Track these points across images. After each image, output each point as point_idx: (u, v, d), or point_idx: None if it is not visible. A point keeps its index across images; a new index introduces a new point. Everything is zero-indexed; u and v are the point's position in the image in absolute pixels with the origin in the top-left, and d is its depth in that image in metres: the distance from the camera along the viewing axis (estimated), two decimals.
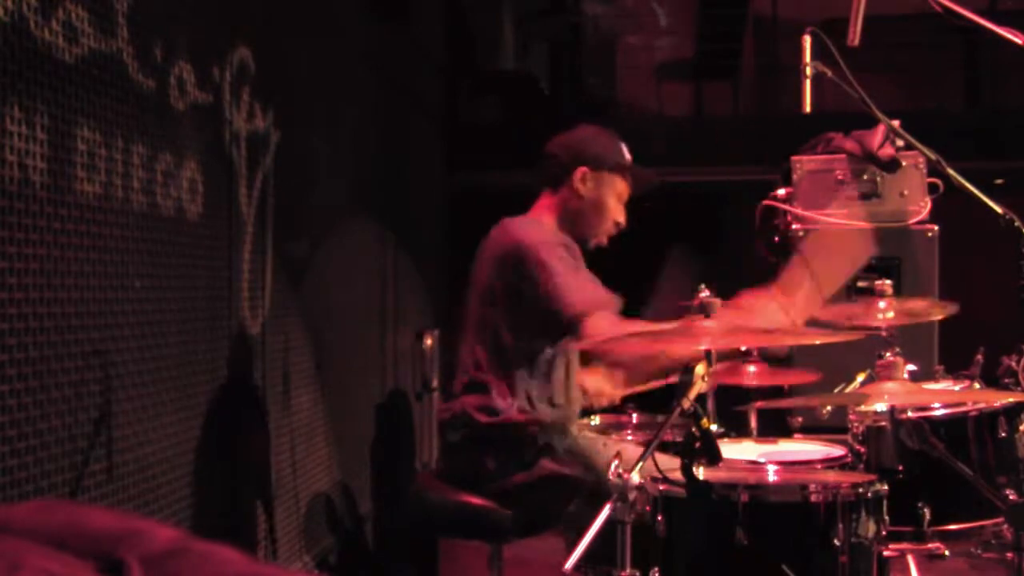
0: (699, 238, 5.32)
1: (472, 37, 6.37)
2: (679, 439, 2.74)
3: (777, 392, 3.35)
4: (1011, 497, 2.20)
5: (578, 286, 2.86)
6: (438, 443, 3.31)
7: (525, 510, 2.93)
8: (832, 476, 2.48)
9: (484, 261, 3.04)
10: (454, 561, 3.86)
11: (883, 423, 2.59)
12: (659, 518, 2.20)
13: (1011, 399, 2.60)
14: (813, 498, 2.20)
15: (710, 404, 2.98)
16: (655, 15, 8.56)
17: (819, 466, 2.65)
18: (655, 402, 3.25)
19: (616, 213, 3.12)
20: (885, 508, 2.26)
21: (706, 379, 2.14)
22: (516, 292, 2.91)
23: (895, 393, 2.39)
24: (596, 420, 3.35)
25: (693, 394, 2.11)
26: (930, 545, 2.50)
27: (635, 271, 3.27)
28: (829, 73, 2.98)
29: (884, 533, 2.27)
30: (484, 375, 2.98)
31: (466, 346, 3.06)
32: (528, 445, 2.95)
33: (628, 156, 3.14)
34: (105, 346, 2.14)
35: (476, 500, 2.93)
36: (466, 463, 2.99)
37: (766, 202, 3.95)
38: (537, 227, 3.04)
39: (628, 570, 1.99)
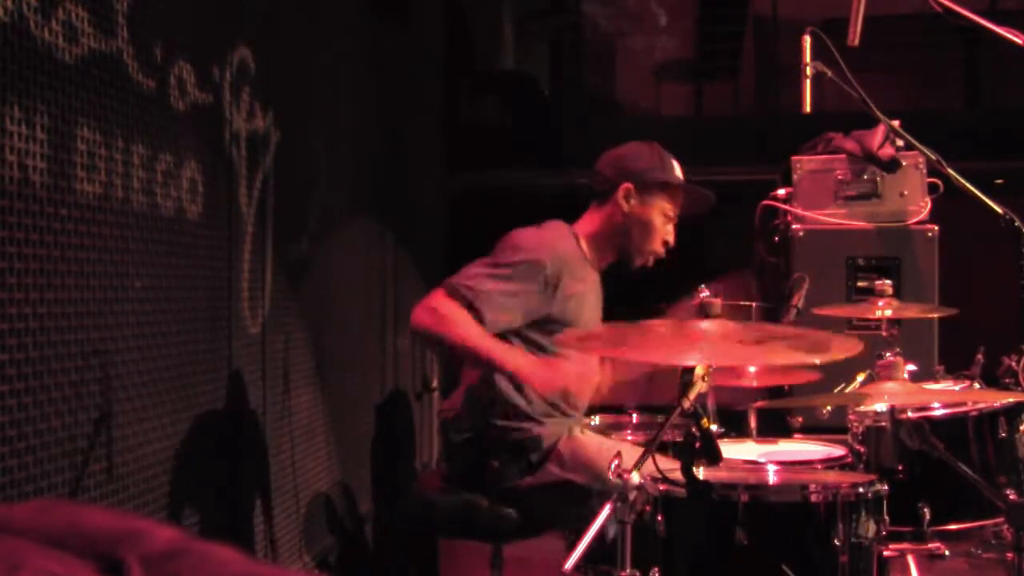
0: (699, 238, 5.33)
1: (472, 37, 6.37)
2: (679, 439, 2.75)
3: (777, 392, 3.35)
4: (1011, 497, 2.20)
5: (475, 275, 2.83)
6: (439, 443, 3.31)
7: (530, 513, 2.93)
8: (832, 476, 2.49)
9: None
10: (454, 561, 3.86)
11: (883, 423, 2.59)
12: (659, 518, 2.20)
13: (1011, 399, 2.60)
14: (813, 498, 2.20)
15: (710, 404, 2.98)
16: (655, 15, 8.56)
17: (819, 466, 2.65)
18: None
19: (663, 232, 3.06)
20: (885, 508, 2.26)
21: (706, 380, 2.14)
22: None
23: (895, 393, 2.39)
24: (596, 420, 3.34)
25: (693, 394, 2.11)
26: (930, 545, 2.51)
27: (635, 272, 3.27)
28: (829, 73, 2.98)
29: (884, 533, 2.28)
30: (490, 375, 2.97)
31: None
32: (532, 448, 2.94)
33: (679, 174, 3.07)
34: (105, 346, 2.13)
35: (478, 500, 2.93)
36: (470, 463, 2.98)
37: (766, 202, 3.95)
38: (546, 237, 3.00)
39: (628, 570, 1.99)
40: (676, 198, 3.07)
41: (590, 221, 3.10)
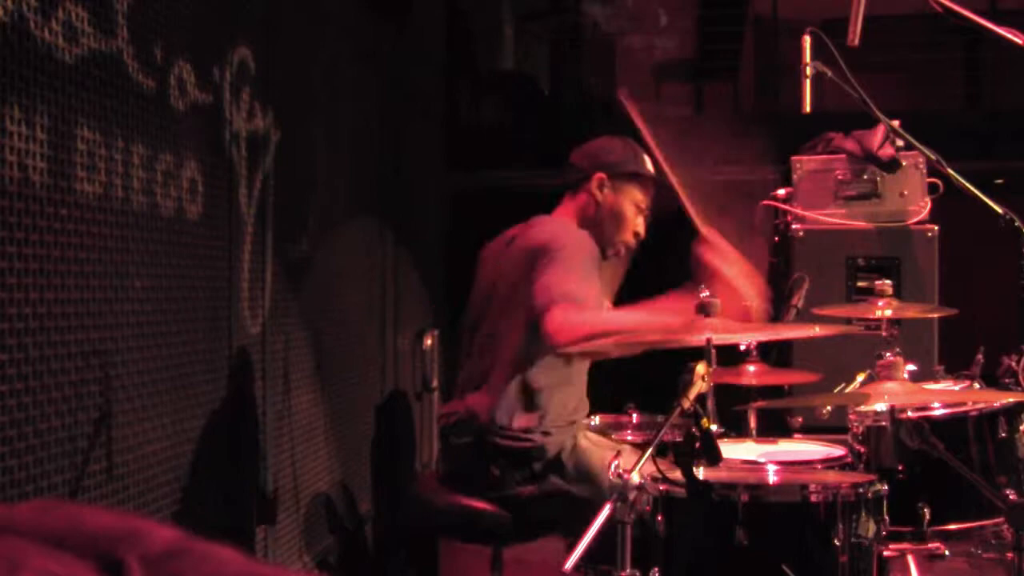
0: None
1: (472, 37, 6.37)
2: (679, 439, 2.75)
3: (777, 392, 3.35)
4: (1011, 497, 2.20)
5: (563, 282, 2.78)
6: (438, 445, 3.31)
7: (530, 519, 2.92)
8: (832, 476, 2.48)
9: (509, 260, 3.00)
10: (454, 562, 3.86)
11: (883, 423, 2.59)
12: (659, 518, 2.20)
13: (1011, 399, 2.60)
14: (813, 498, 2.21)
15: (710, 404, 2.98)
16: (655, 15, 8.56)
17: (819, 466, 2.65)
18: (655, 402, 3.25)
19: (634, 223, 3.12)
20: (885, 508, 2.26)
21: (706, 379, 2.14)
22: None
23: (895, 393, 2.39)
24: (596, 420, 3.34)
25: (693, 394, 2.11)
26: (930, 545, 2.51)
27: (636, 271, 3.27)
28: (829, 73, 2.98)
29: (884, 533, 2.28)
30: (494, 379, 2.96)
31: (478, 347, 3.04)
32: (535, 456, 2.93)
33: (650, 167, 3.13)
34: (105, 346, 2.13)
35: (477, 503, 2.93)
36: (470, 468, 2.97)
37: (766, 202, 3.95)
38: (568, 228, 3.02)
39: (628, 570, 1.99)
40: (647, 190, 3.13)
41: (565, 212, 3.15)
